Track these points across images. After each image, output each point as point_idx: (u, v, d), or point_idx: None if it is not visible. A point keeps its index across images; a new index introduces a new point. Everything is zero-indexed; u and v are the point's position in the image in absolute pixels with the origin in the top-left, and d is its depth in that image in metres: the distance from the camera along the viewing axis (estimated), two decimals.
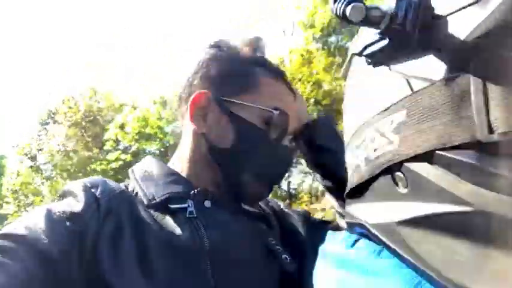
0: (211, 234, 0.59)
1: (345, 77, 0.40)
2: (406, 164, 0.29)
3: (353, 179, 0.35)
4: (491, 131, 0.24)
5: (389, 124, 0.30)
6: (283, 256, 0.62)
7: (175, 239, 0.57)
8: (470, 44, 0.25)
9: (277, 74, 0.70)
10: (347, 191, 0.38)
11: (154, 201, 0.61)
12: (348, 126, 0.37)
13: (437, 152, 0.27)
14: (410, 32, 0.27)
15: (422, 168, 0.28)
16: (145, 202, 0.61)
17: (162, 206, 0.61)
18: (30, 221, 0.54)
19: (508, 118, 0.23)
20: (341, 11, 0.29)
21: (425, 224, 0.28)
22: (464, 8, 0.26)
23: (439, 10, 0.28)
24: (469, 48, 0.25)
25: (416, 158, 0.28)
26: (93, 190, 0.59)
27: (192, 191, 0.63)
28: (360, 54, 0.32)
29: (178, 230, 0.58)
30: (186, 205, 0.61)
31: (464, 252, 0.25)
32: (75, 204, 0.57)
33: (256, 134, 0.65)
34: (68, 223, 0.54)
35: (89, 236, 0.54)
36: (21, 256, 0.49)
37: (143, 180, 0.65)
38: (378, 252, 0.31)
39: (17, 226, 0.53)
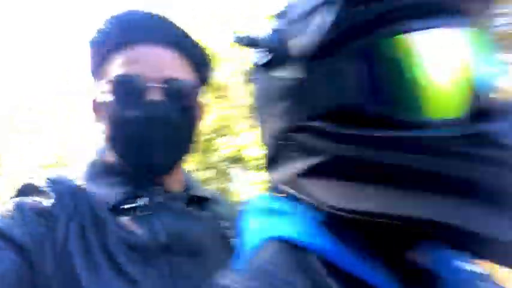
0: (166, 228, 0.62)
1: (249, 83, 0.52)
2: (293, 135, 0.41)
3: (267, 154, 0.47)
4: (328, 107, 0.37)
5: (277, 110, 0.43)
6: (234, 239, 0.65)
7: (132, 237, 0.60)
8: (304, 54, 0.39)
9: (125, 42, 0.67)
10: (265, 165, 0.48)
11: (110, 202, 0.62)
12: (258, 116, 0.49)
13: (305, 123, 0.40)
14: (279, 51, 0.41)
15: (300, 136, 0.40)
16: (100, 201, 0.62)
17: (118, 205, 0.62)
18: (2, 214, 0.56)
19: (329, 99, 0.37)
20: (235, 41, 0.44)
21: (311, 174, 0.40)
22: (300, 35, 0.39)
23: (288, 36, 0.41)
24: (304, 57, 0.39)
25: (295, 129, 0.41)
26: (58, 186, 0.62)
27: (144, 188, 0.66)
28: (254, 66, 0.46)
29: (134, 228, 0.61)
30: (139, 203, 0.64)
31: (337, 186, 0.37)
32: (44, 200, 0.59)
33: (110, 109, 0.65)
34: (39, 218, 0.57)
35: (60, 230, 0.56)
36: None
37: (94, 179, 0.66)
38: (293, 202, 0.42)
39: None
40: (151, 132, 0.64)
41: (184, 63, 0.70)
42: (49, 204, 0.59)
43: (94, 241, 0.58)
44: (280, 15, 0.44)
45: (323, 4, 0.38)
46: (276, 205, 0.44)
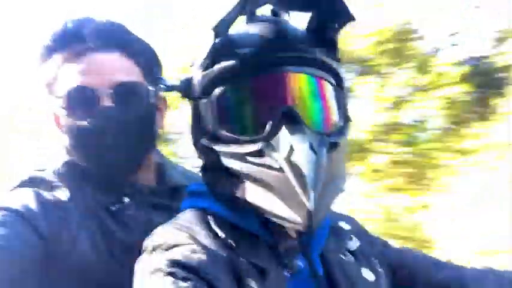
0: (148, 224, 0.67)
1: None
2: (196, 145, 0.63)
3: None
4: (206, 130, 0.59)
5: (189, 128, 0.64)
6: None
7: (124, 235, 0.66)
8: (195, 96, 0.61)
9: (72, 54, 0.70)
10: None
11: (99, 203, 0.68)
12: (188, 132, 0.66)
13: (198, 139, 0.61)
14: (187, 93, 0.62)
15: (198, 146, 0.62)
16: (92, 202, 0.68)
17: (107, 206, 0.69)
18: (23, 200, 0.62)
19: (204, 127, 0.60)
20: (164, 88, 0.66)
21: (203, 170, 0.64)
22: (194, 82, 0.60)
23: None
24: (195, 97, 0.61)
25: (196, 142, 0.63)
26: (69, 183, 0.68)
27: (127, 190, 0.72)
28: (183, 97, 0.64)
29: (124, 226, 0.67)
30: (123, 204, 0.70)
31: (212, 177, 0.61)
32: (61, 194, 0.66)
33: (68, 122, 0.70)
34: (57, 210, 0.63)
35: (73, 221, 0.63)
36: (17, 228, 0.57)
37: (78, 180, 0.70)
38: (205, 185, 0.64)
39: (11, 202, 0.61)
40: (108, 137, 0.68)
41: (132, 64, 0.72)
42: (65, 199, 0.65)
43: (99, 235, 0.65)
44: (192, 65, 0.63)
45: (199, 63, 0.59)
46: (198, 187, 0.67)
